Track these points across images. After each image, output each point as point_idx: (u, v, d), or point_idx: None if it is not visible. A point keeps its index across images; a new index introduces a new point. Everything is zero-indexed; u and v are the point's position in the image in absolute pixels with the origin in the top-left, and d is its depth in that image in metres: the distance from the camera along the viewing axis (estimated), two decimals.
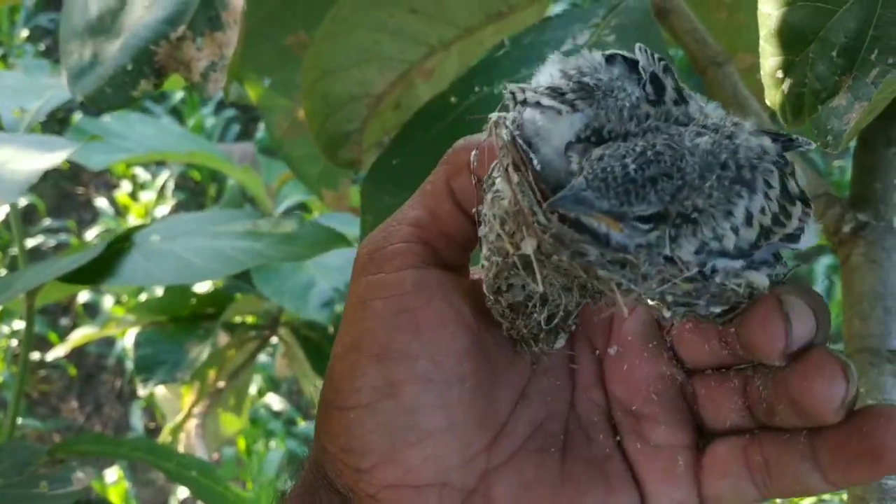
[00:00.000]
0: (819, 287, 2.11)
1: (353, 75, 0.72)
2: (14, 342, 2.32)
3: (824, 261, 2.14)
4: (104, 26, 0.63)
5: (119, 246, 0.83)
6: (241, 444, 2.06)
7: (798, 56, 0.37)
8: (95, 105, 0.61)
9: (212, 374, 1.40)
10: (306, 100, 0.72)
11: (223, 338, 1.42)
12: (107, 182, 2.67)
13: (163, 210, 2.38)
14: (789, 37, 0.37)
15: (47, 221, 2.51)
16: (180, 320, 1.35)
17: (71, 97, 0.67)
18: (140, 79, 0.60)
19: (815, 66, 0.36)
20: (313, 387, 1.46)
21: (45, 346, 2.26)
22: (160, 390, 1.51)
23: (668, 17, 0.62)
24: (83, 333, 1.52)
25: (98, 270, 0.80)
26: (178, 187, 2.53)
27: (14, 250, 2.37)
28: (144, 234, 0.85)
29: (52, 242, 2.44)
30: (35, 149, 0.70)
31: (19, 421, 2.14)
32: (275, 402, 2.20)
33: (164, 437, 1.44)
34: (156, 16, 0.61)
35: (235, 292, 1.37)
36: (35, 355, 2.29)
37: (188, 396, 1.42)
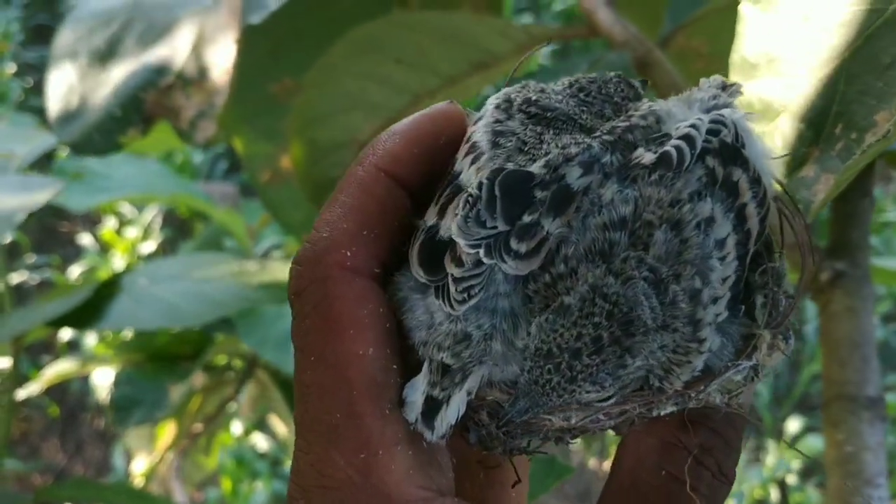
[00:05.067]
0: (810, 329, 2.12)
1: (340, 122, 0.73)
2: None
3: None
4: (93, 72, 0.64)
5: (107, 289, 0.83)
6: (227, 485, 2.03)
7: (768, 126, 0.38)
8: (82, 151, 0.61)
9: (190, 415, 1.38)
10: (294, 146, 0.73)
11: (198, 378, 1.41)
12: (91, 218, 2.66)
13: (148, 247, 2.37)
14: (759, 107, 0.39)
15: (31, 258, 2.50)
16: (159, 359, 1.34)
17: (55, 143, 0.68)
18: (128, 125, 0.61)
19: (785, 137, 0.38)
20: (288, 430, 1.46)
21: (26, 384, 2.23)
22: (132, 431, 1.50)
23: (649, 71, 0.64)
24: (59, 370, 1.50)
25: (86, 314, 0.80)
26: (164, 223, 2.53)
27: None
28: (132, 277, 0.85)
29: (35, 279, 2.43)
30: (19, 189, 0.71)
31: None
32: (260, 441, 2.19)
33: (138, 479, 1.42)
34: (145, 63, 0.62)
35: (214, 332, 1.36)
36: (17, 395, 2.26)
37: (163, 438, 1.41)
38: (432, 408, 0.29)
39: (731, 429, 0.32)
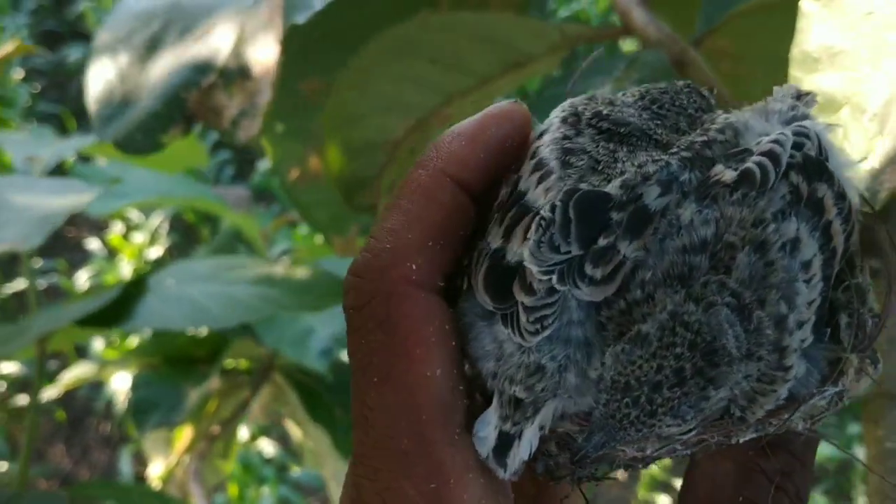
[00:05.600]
0: None
1: (374, 122, 0.73)
2: (2, 386, 2.30)
3: None
4: (133, 72, 0.64)
5: (134, 289, 0.83)
6: (233, 490, 2.03)
7: (829, 119, 0.38)
8: (124, 149, 0.62)
9: (207, 418, 1.38)
10: (327, 146, 0.74)
11: (213, 382, 1.41)
12: (98, 223, 2.66)
13: (155, 252, 2.38)
14: (820, 101, 0.39)
15: (38, 262, 2.50)
16: (175, 363, 1.34)
17: (76, 148, 0.68)
18: (170, 125, 0.61)
19: (847, 129, 0.38)
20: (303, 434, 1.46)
21: (30, 389, 2.23)
22: (149, 435, 1.49)
23: (685, 70, 0.64)
24: (77, 374, 1.50)
25: (114, 314, 0.80)
26: (170, 228, 2.53)
27: (2, 293, 2.36)
28: (159, 277, 0.85)
29: (42, 284, 2.42)
30: (55, 193, 0.71)
31: (4, 466, 2.10)
32: (266, 447, 2.19)
33: (155, 483, 1.42)
34: (186, 63, 0.62)
35: (230, 335, 1.36)
36: (21, 399, 2.26)
37: (180, 441, 1.41)
38: (505, 443, 0.28)
39: (808, 452, 0.31)
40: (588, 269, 0.27)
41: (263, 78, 0.60)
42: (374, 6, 0.81)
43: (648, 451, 0.28)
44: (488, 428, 0.28)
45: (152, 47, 0.64)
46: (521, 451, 0.28)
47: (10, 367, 2.12)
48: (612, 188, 0.27)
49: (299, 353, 1.17)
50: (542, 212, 0.27)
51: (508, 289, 0.28)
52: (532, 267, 0.27)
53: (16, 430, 2.31)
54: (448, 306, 0.29)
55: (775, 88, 0.32)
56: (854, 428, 2.11)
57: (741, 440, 0.29)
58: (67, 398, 2.34)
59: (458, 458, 0.28)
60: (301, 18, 0.61)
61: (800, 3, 0.40)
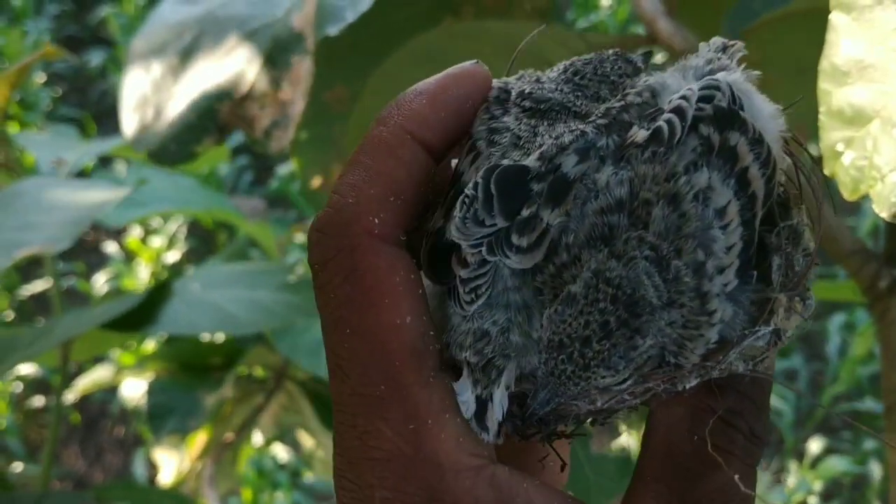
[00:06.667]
0: (832, 345, 2.12)
1: None
2: (19, 387, 2.32)
3: (837, 319, 2.14)
4: (166, 84, 0.65)
5: (159, 294, 0.84)
6: (247, 495, 2.04)
7: (858, 132, 0.39)
8: (158, 160, 0.63)
9: (221, 424, 1.39)
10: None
11: (227, 388, 1.42)
12: (116, 227, 2.68)
13: (173, 256, 2.39)
14: (849, 113, 0.39)
15: (56, 265, 2.51)
16: (191, 369, 1.35)
17: (101, 151, 0.69)
18: (203, 135, 0.62)
19: (877, 141, 0.38)
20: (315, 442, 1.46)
21: (46, 390, 2.26)
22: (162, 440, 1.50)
23: None
24: (94, 378, 1.51)
25: (139, 318, 0.81)
26: (188, 233, 2.55)
27: (21, 295, 2.38)
28: (184, 282, 0.86)
29: (61, 287, 2.44)
30: (83, 192, 0.72)
31: (20, 467, 2.11)
32: (280, 452, 2.19)
33: (167, 487, 1.42)
34: (218, 74, 0.63)
35: (245, 343, 1.36)
36: (38, 401, 2.29)
37: (194, 447, 1.41)
38: (482, 407, 0.29)
39: (758, 391, 0.31)
40: (514, 239, 0.29)
41: (296, 89, 0.61)
42: (399, 16, 0.82)
43: (599, 404, 0.30)
44: (466, 393, 0.30)
45: (185, 58, 0.65)
46: (496, 412, 0.29)
47: (28, 369, 2.14)
48: (531, 161, 0.29)
49: (314, 364, 1.18)
50: (466, 190, 0.29)
51: (448, 265, 0.30)
52: (461, 242, 0.29)
53: (31, 430, 2.32)
54: (412, 259, 0.30)
55: (700, 44, 0.32)
56: (869, 444, 2.10)
57: (687, 386, 0.30)
58: (82, 401, 2.36)
59: (435, 398, 0.29)
60: (333, 31, 0.62)
61: (829, 16, 0.40)
